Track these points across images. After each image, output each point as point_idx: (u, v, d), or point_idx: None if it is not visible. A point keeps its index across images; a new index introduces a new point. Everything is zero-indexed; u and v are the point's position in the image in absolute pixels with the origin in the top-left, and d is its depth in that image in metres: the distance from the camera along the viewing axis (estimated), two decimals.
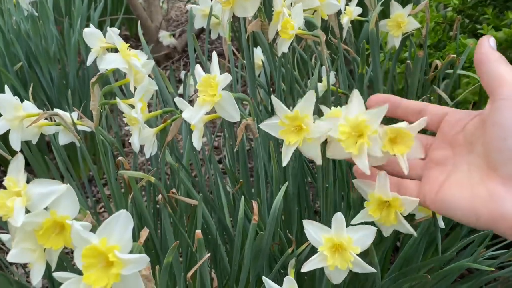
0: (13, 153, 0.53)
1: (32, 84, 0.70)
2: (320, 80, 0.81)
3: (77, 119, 0.71)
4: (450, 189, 0.37)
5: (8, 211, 0.37)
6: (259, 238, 0.49)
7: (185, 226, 0.60)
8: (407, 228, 0.42)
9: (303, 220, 0.44)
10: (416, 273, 0.61)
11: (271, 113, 0.83)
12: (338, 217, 0.42)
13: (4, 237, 0.48)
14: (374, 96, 0.43)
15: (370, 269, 0.43)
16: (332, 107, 0.43)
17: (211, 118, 0.51)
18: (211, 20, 0.81)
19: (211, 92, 0.46)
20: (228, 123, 0.81)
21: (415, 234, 0.43)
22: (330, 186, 0.54)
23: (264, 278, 0.47)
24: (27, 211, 0.38)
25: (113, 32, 0.53)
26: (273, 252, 0.62)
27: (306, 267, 0.43)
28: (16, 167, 0.38)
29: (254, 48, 0.90)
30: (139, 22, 0.87)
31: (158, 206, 0.62)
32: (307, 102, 0.41)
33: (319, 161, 0.42)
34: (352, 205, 0.57)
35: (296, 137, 0.42)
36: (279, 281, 0.47)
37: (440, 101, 0.72)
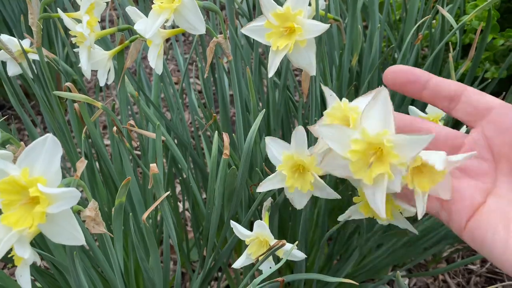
0: None
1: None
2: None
3: (30, 47, 0.62)
4: (488, 219, 0.26)
5: None
6: (231, 174, 0.42)
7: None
8: (404, 225, 0.36)
9: (265, 137, 0.37)
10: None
11: (253, 44, 0.74)
12: (299, 132, 0.35)
13: None
14: (392, 68, 0.30)
15: (333, 193, 0.36)
16: (344, 99, 0.30)
17: (172, 34, 0.42)
18: None
19: None
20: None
21: (415, 231, 0.36)
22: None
23: (231, 222, 0.41)
24: None
25: None
26: (252, 194, 0.56)
27: (261, 187, 0.36)
28: None
29: None
30: None
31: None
32: None
33: (313, 71, 0.34)
34: None
35: (286, 40, 0.34)
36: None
37: (444, 27, 0.64)
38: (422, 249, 0.60)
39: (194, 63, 1.20)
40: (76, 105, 0.46)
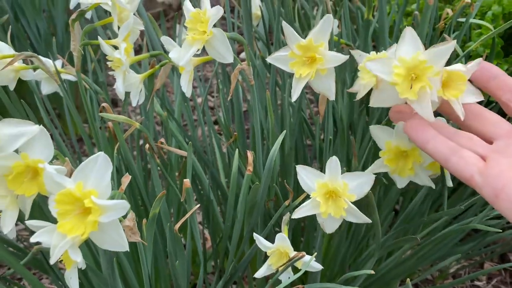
0: None
1: (10, 27, 0.65)
2: None
3: (62, 67, 0.66)
4: None
5: None
6: (253, 190, 0.45)
7: (176, 180, 0.56)
8: (425, 180, 0.39)
9: (296, 166, 0.40)
10: (418, 233, 0.58)
11: (269, 66, 0.78)
12: (333, 161, 0.39)
13: None
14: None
15: (365, 218, 0.40)
16: (371, 53, 0.39)
17: (202, 61, 0.46)
18: None
19: (201, 29, 0.42)
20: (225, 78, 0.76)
21: (433, 185, 0.39)
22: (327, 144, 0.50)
23: (254, 235, 0.44)
24: None
25: None
26: (268, 209, 0.59)
27: (297, 214, 0.40)
28: None
29: None
30: None
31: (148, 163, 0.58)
32: (323, 27, 0.37)
33: (332, 96, 0.38)
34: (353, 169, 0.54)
35: (308, 68, 0.38)
36: (273, 239, 0.44)
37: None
38: (430, 261, 0.63)
39: (207, 79, 1.25)
40: (110, 123, 0.50)
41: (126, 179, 0.34)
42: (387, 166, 0.39)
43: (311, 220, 0.65)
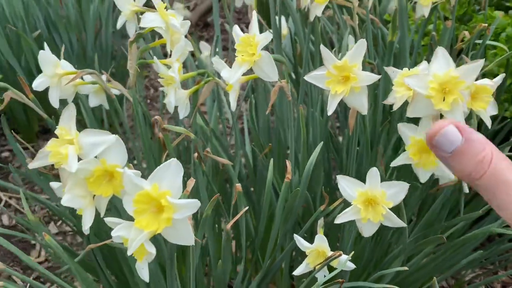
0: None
1: (64, 45, 0.71)
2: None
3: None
4: None
5: (61, 158, 0.38)
6: (293, 196, 0.50)
7: (216, 184, 0.61)
8: (446, 173, 0.43)
9: (337, 176, 0.45)
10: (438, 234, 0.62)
11: (295, 81, 0.84)
12: (373, 172, 0.44)
13: (55, 184, 0.50)
14: None
15: (400, 223, 0.44)
16: (404, 69, 0.45)
17: (247, 79, 0.52)
18: None
19: (250, 52, 0.47)
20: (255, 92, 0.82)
21: (452, 177, 0.44)
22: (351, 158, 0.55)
23: (295, 235, 0.49)
24: (78, 160, 0.39)
25: None
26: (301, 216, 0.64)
27: (340, 219, 0.45)
28: (68, 116, 0.40)
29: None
30: None
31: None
32: (357, 50, 0.42)
33: (364, 111, 0.43)
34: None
35: (343, 86, 0.43)
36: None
37: None
38: (447, 267, 0.67)
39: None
40: (160, 134, 0.55)
41: (191, 182, 0.40)
42: (411, 159, 0.44)
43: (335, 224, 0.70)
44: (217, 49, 0.74)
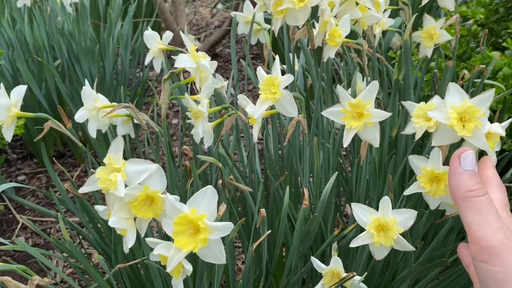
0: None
1: (97, 78, 0.77)
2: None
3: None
4: None
5: (110, 184, 0.43)
6: (310, 221, 0.55)
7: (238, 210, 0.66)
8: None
9: (351, 204, 0.50)
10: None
11: (309, 116, 0.90)
12: (385, 201, 0.49)
13: (100, 208, 0.55)
14: None
15: (410, 247, 0.49)
16: (421, 103, 0.53)
17: (269, 114, 0.57)
18: (254, 26, 0.88)
19: (273, 90, 0.53)
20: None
21: None
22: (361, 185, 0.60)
23: (312, 258, 0.53)
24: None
25: (184, 36, 0.60)
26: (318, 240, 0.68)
27: (354, 243, 0.49)
28: (116, 148, 0.45)
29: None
30: (162, 24, 0.94)
31: None
32: (370, 90, 0.47)
33: (376, 143, 0.48)
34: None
35: (357, 122, 0.48)
36: (313, 271, 0.52)
37: None
38: None
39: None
40: (187, 162, 0.61)
41: (222, 207, 0.44)
42: (423, 187, 0.49)
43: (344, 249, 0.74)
44: (234, 84, 0.80)
